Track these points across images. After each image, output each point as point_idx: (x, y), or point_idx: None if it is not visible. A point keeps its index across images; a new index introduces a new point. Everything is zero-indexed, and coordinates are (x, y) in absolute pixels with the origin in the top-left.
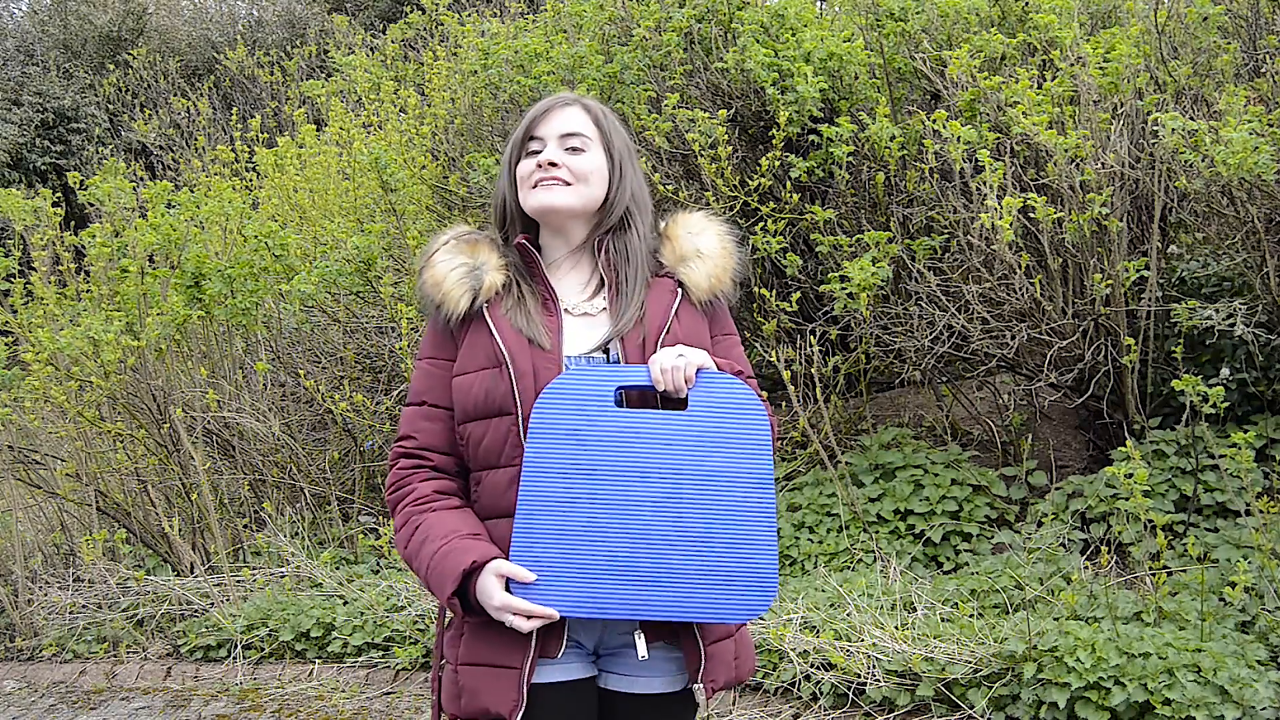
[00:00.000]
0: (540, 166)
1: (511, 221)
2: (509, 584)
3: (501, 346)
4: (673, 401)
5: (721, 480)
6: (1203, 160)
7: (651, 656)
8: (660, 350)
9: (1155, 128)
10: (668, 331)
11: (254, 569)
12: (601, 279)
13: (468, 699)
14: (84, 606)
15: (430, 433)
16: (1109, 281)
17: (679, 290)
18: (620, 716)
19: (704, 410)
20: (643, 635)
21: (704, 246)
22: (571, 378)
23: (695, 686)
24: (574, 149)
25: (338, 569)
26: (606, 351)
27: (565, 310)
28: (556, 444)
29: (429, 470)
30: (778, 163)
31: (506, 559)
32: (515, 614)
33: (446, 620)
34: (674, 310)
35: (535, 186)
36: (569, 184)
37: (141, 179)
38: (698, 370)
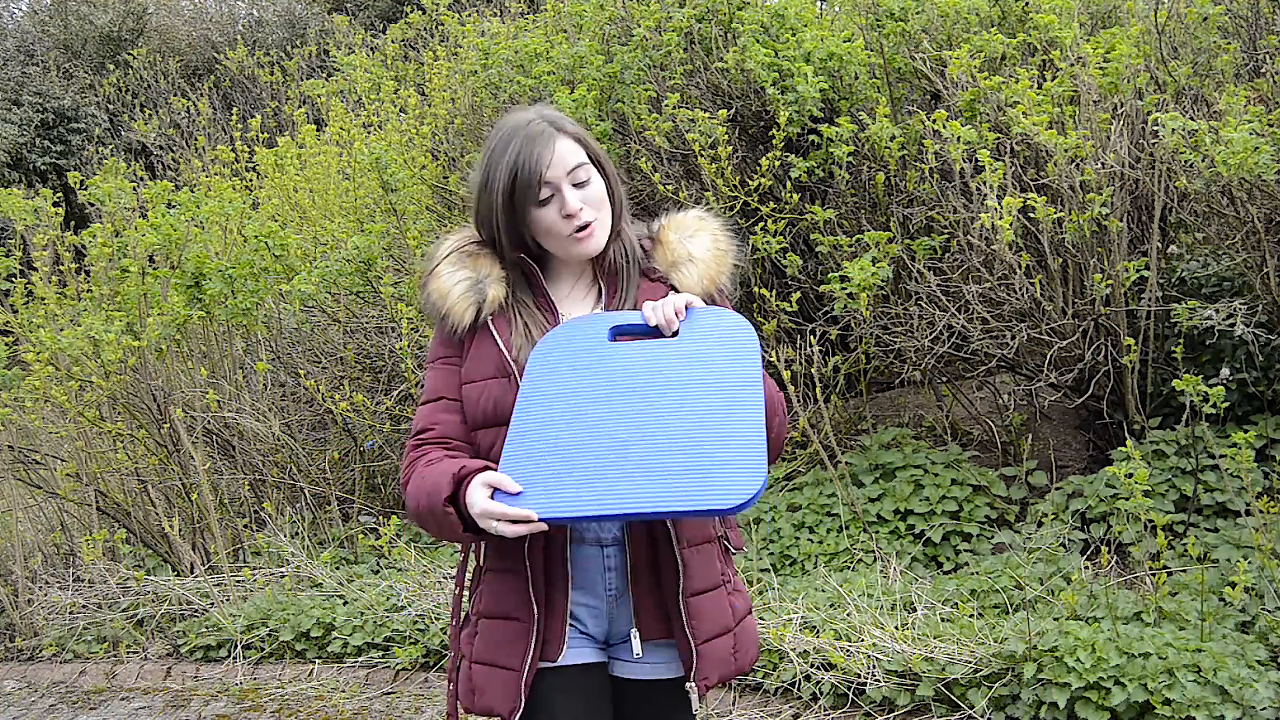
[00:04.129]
0: (570, 216)
1: (506, 246)
2: (495, 494)
3: (509, 359)
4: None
5: (708, 385)
6: (1203, 160)
7: (653, 645)
8: None
9: (1155, 128)
10: None
11: (254, 569)
12: (600, 289)
13: (477, 697)
14: (84, 606)
15: (449, 424)
16: (1109, 281)
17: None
18: (628, 701)
19: (693, 335)
20: (638, 634)
21: (695, 250)
22: (568, 325)
23: (689, 685)
24: (580, 182)
25: (338, 569)
26: None
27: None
28: (551, 375)
29: (444, 447)
30: (778, 163)
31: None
32: (496, 520)
33: (461, 616)
34: None
35: (572, 237)
36: (595, 220)
37: (141, 179)
38: (687, 306)
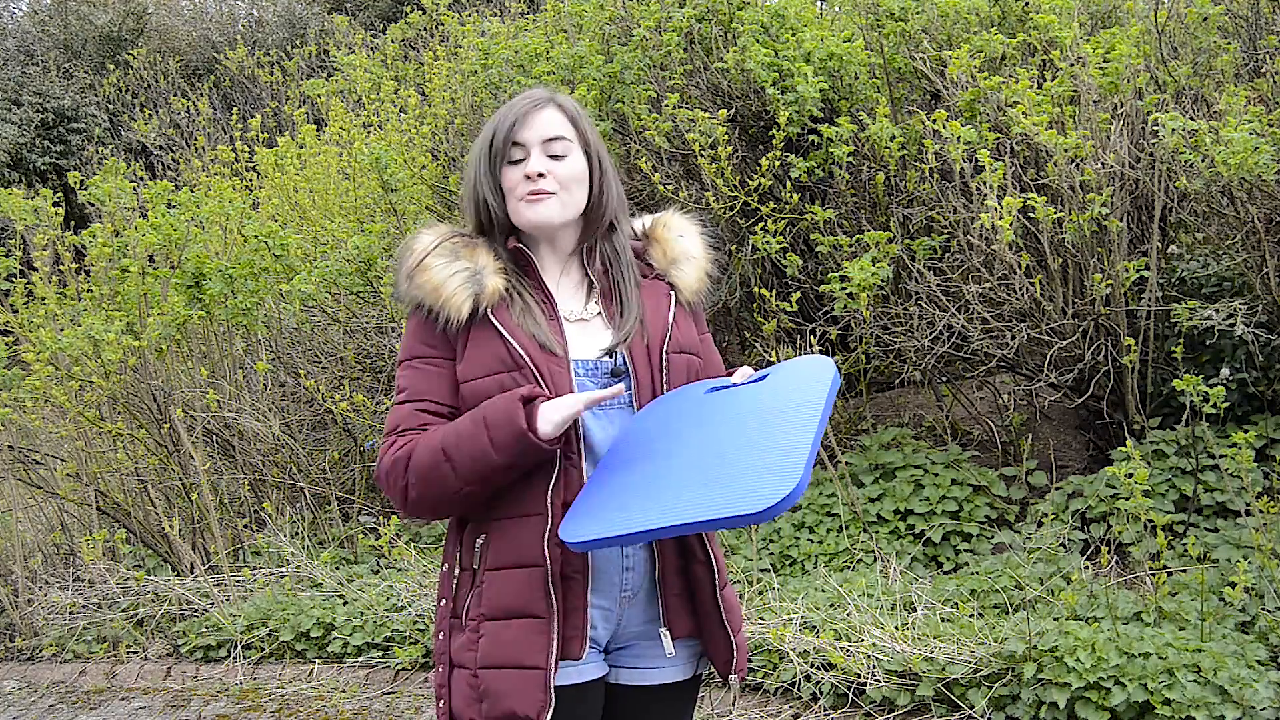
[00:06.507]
0: (529, 178)
1: (497, 228)
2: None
3: (520, 350)
4: None
5: (768, 408)
6: (1203, 160)
7: (657, 648)
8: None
9: (1155, 128)
10: (670, 337)
11: (254, 569)
12: (591, 284)
13: (490, 703)
14: (84, 606)
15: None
16: (1109, 281)
17: (671, 293)
18: (625, 709)
19: (783, 372)
20: (668, 633)
21: (691, 248)
22: (681, 391)
23: (731, 678)
24: (556, 155)
25: (338, 569)
26: (612, 356)
27: (562, 317)
28: (645, 423)
29: None
30: (778, 163)
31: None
32: (596, 400)
33: (449, 626)
34: (671, 314)
35: (524, 200)
36: (554, 194)
37: (141, 179)
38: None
